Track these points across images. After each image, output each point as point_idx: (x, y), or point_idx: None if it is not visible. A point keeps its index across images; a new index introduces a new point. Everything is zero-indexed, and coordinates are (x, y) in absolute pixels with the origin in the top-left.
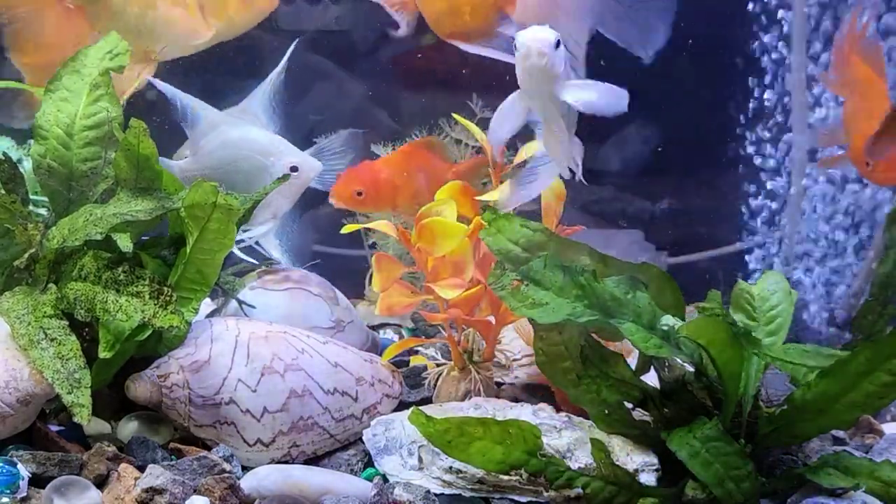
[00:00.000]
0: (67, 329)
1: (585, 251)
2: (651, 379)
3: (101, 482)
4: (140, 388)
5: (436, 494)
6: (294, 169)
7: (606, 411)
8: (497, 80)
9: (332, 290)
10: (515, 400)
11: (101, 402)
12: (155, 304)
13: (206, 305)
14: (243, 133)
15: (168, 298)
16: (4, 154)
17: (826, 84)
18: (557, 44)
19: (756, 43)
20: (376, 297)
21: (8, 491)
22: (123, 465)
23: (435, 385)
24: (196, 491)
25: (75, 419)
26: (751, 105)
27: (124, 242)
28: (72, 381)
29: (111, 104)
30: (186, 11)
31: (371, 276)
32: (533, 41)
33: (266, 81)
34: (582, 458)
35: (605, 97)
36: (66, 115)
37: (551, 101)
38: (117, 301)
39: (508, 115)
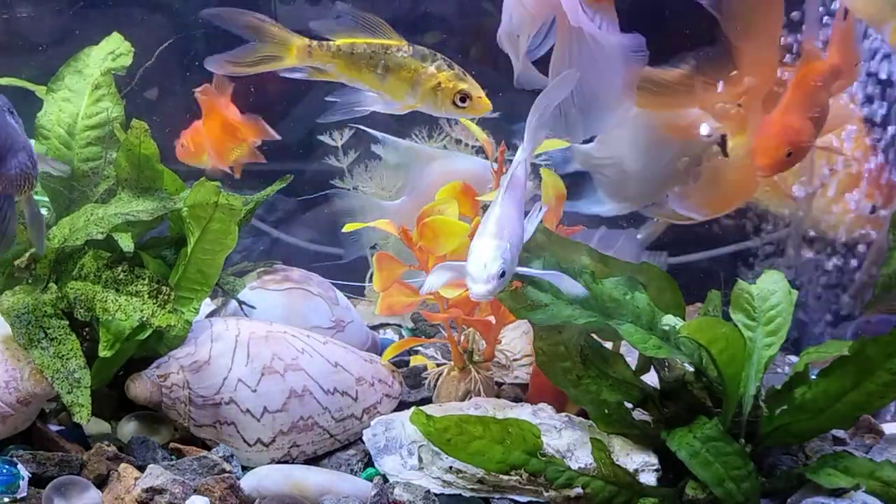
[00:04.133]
0: (67, 328)
1: (585, 251)
2: (651, 379)
3: (101, 482)
4: (140, 387)
5: (436, 494)
6: None
7: (606, 411)
8: (497, 81)
9: (332, 290)
10: (516, 400)
11: (101, 402)
12: (154, 304)
13: (206, 305)
14: (455, 164)
15: (166, 297)
16: None
17: None
18: (502, 274)
19: None
20: (376, 297)
21: (8, 491)
22: (123, 465)
23: (435, 385)
24: (196, 491)
25: (75, 419)
26: None
27: (125, 242)
28: (71, 380)
29: (113, 104)
30: None
31: (371, 275)
32: (476, 281)
33: None
34: (582, 458)
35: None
36: (68, 115)
37: None
38: (116, 300)
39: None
